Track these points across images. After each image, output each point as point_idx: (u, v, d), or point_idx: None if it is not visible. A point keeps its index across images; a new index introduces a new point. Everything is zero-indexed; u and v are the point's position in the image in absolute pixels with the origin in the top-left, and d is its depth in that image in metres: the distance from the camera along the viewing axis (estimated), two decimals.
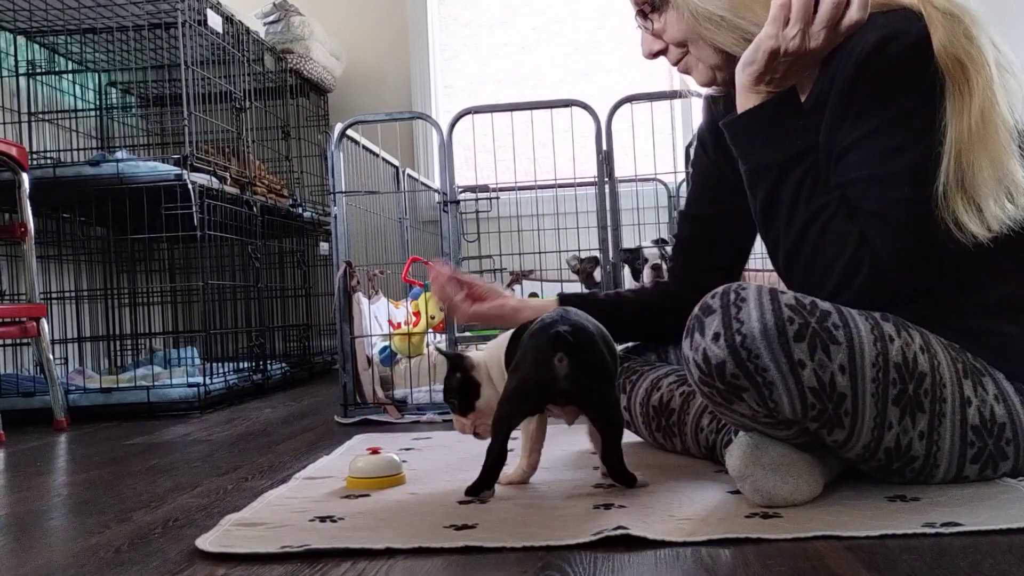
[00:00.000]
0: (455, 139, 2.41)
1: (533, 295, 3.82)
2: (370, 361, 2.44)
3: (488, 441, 1.32)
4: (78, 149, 3.55)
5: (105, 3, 3.02)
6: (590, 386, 1.29)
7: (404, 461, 1.50)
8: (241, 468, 1.71)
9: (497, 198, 2.56)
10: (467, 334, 2.42)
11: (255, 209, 3.26)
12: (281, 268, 3.98)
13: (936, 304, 1.25)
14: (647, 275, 2.91)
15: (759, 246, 1.41)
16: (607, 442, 1.31)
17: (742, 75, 1.22)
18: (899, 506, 1.14)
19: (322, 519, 1.22)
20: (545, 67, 4.41)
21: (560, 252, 2.81)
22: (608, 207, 2.44)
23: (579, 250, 3.07)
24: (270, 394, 3.17)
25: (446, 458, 1.64)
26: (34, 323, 2.48)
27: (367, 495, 1.37)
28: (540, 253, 2.91)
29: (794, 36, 1.14)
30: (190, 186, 2.75)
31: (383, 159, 3.04)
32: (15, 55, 3.26)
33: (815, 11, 1.13)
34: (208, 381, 2.78)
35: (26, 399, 2.65)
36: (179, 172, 2.76)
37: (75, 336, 3.35)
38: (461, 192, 2.73)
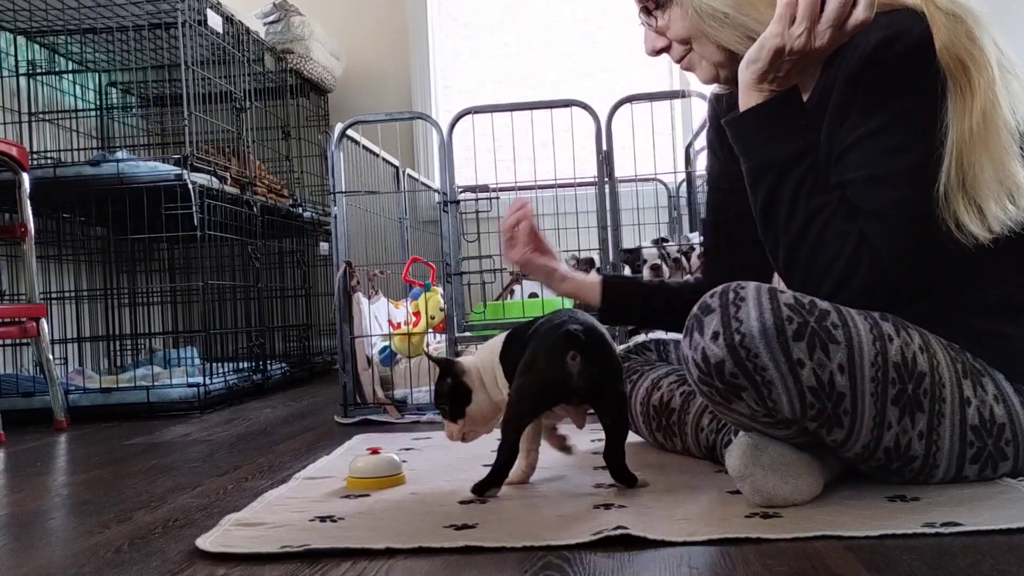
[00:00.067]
0: (455, 139, 2.41)
1: (533, 295, 3.82)
2: (370, 361, 2.44)
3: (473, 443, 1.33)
4: (78, 149, 3.55)
5: (105, 3, 3.02)
6: (603, 384, 1.29)
7: (404, 461, 1.50)
8: (241, 468, 1.71)
9: (497, 198, 2.55)
10: (467, 334, 2.42)
11: (255, 209, 3.27)
12: (281, 268, 3.98)
13: (936, 304, 1.25)
14: (646, 275, 2.91)
15: None
16: (612, 441, 1.31)
17: (745, 73, 1.22)
18: (899, 506, 1.14)
19: (322, 519, 1.22)
20: (545, 67, 4.41)
21: (560, 252, 2.80)
22: (608, 207, 2.44)
23: (579, 250, 3.06)
24: (270, 394, 3.17)
25: (446, 458, 1.64)
26: (34, 323, 2.48)
27: (367, 495, 1.37)
28: None
29: (800, 35, 1.14)
30: (190, 186, 2.75)
31: (383, 159, 3.04)
32: (15, 55, 3.26)
33: (821, 10, 1.13)
34: (208, 381, 2.78)
35: (26, 399, 2.65)
36: (179, 172, 2.76)
37: (75, 336, 3.36)
38: (461, 192, 2.73)
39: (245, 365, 3.19)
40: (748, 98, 1.23)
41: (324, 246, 3.89)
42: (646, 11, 1.39)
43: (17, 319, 2.50)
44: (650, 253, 3.18)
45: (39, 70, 3.37)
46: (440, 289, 2.55)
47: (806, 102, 1.29)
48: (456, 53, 4.48)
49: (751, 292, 1.14)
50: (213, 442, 2.08)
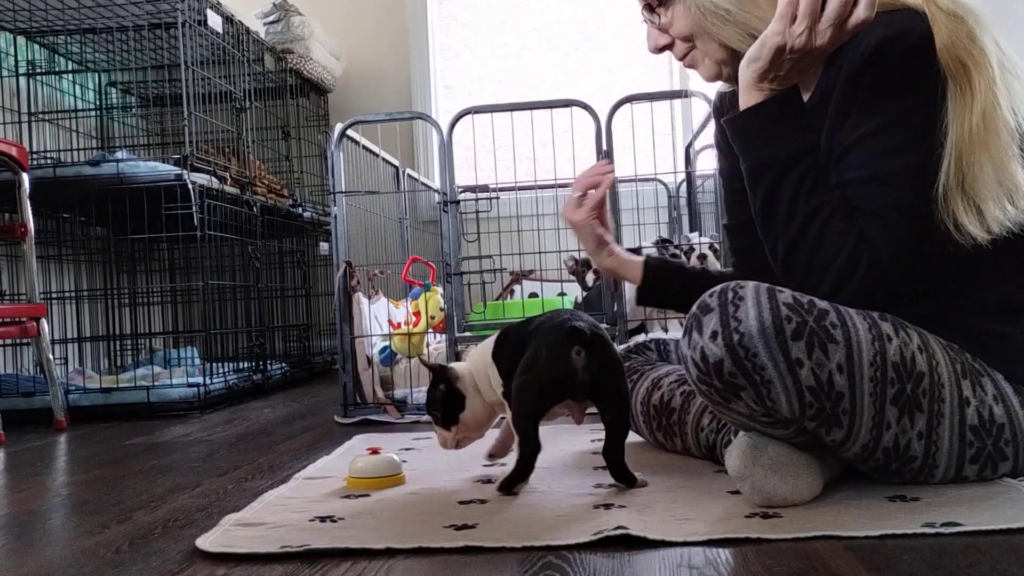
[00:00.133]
0: (455, 139, 2.41)
1: (533, 295, 3.82)
2: (370, 361, 2.44)
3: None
4: (78, 149, 3.55)
5: (105, 3, 3.02)
6: (607, 379, 1.30)
7: (404, 461, 1.51)
8: (241, 468, 1.71)
9: (497, 198, 2.55)
10: (467, 334, 2.42)
11: (255, 209, 3.27)
12: (281, 268, 3.98)
13: (936, 304, 1.25)
14: None
15: None
16: (613, 439, 1.31)
17: (746, 72, 1.22)
18: (899, 506, 1.14)
19: (322, 519, 1.22)
20: (545, 67, 4.41)
21: (560, 252, 2.81)
22: (608, 207, 2.44)
23: (578, 251, 3.07)
24: (270, 394, 3.17)
25: (446, 458, 1.64)
26: (34, 323, 2.48)
27: (367, 495, 1.37)
28: (540, 253, 2.91)
29: (801, 33, 1.14)
30: (190, 186, 2.75)
31: (383, 159, 3.04)
32: (15, 55, 3.26)
33: (822, 9, 1.13)
34: (208, 381, 2.78)
35: (26, 399, 2.66)
36: (179, 172, 2.76)
37: (75, 336, 3.36)
38: (461, 192, 2.73)
39: (245, 365, 3.19)
40: (748, 97, 1.23)
41: (324, 246, 3.89)
42: (649, 8, 1.39)
43: (17, 319, 2.50)
44: (650, 253, 3.17)
45: (39, 70, 3.37)
46: (440, 289, 2.55)
47: (808, 101, 1.29)
48: (456, 53, 4.48)
49: (750, 291, 1.14)
50: (213, 442, 2.08)
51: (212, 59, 3.24)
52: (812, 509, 1.15)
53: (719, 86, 1.52)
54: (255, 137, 3.61)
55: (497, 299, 3.57)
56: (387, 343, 2.60)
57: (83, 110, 3.65)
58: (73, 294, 3.40)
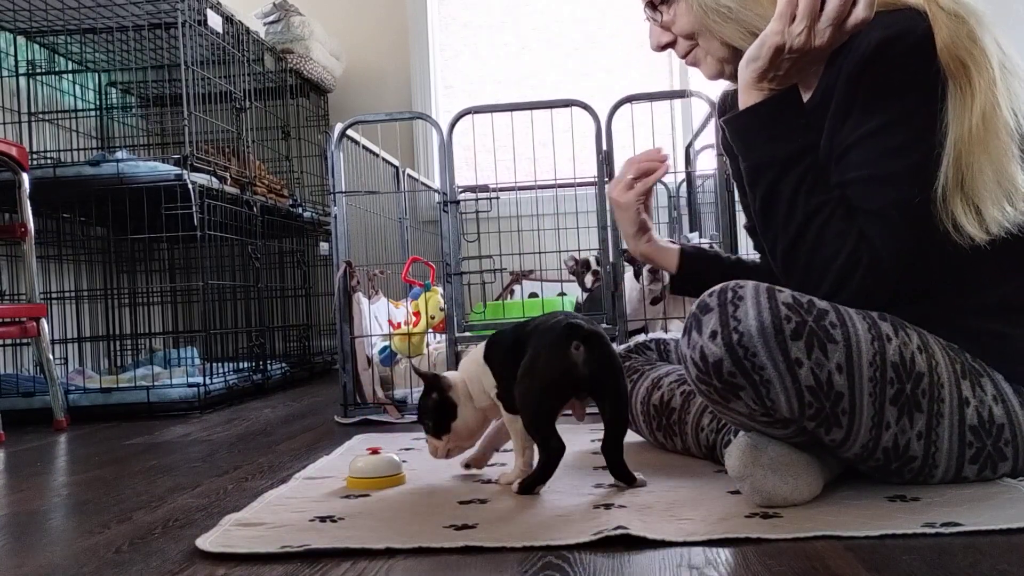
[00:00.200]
0: (455, 139, 2.40)
1: (533, 295, 3.83)
2: (370, 361, 2.44)
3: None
4: (78, 149, 3.55)
5: (105, 3, 3.02)
6: (606, 375, 1.30)
7: (404, 461, 1.50)
8: (241, 468, 1.71)
9: (497, 198, 2.55)
10: (467, 334, 2.42)
11: (255, 209, 3.27)
12: (281, 268, 3.98)
13: (936, 304, 1.25)
14: (647, 276, 2.90)
15: None
16: (611, 436, 1.32)
17: (745, 71, 1.22)
18: (899, 506, 1.14)
19: (322, 519, 1.22)
20: (545, 67, 4.41)
21: (560, 252, 2.81)
22: (608, 207, 2.44)
23: (579, 250, 3.07)
24: (270, 394, 3.17)
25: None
26: (34, 323, 2.48)
27: (367, 495, 1.37)
28: (540, 253, 2.91)
29: (800, 33, 1.14)
30: (190, 186, 2.75)
31: (383, 159, 3.04)
32: (15, 55, 3.26)
33: (821, 8, 1.13)
34: (208, 381, 2.78)
35: (26, 399, 2.66)
36: (179, 172, 2.76)
37: (75, 336, 3.36)
38: (461, 192, 2.72)
39: (245, 365, 3.19)
40: (748, 96, 1.23)
41: (324, 246, 3.89)
42: (651, 6, 1.39)
43: (17, 319, 2.50)
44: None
45: (39, 70, 3.37)
46: (440, 289, 2.55)
47: (808, 101, 1.29)
48: (456, 53, 4.48)
49: (749, 291, 1.14)
50: (213, 442, 2.08)
51: (212, 59, 3.24)
52: (812, 509, 1.15)
53: (723, 87, 1.52)
54: (255, 137, 3.61)
55: (497, 299, 3.57)
56: (387, 343, 2.60)
57: (83, 110, 3.65)
58: (73, 294, 3.40)
